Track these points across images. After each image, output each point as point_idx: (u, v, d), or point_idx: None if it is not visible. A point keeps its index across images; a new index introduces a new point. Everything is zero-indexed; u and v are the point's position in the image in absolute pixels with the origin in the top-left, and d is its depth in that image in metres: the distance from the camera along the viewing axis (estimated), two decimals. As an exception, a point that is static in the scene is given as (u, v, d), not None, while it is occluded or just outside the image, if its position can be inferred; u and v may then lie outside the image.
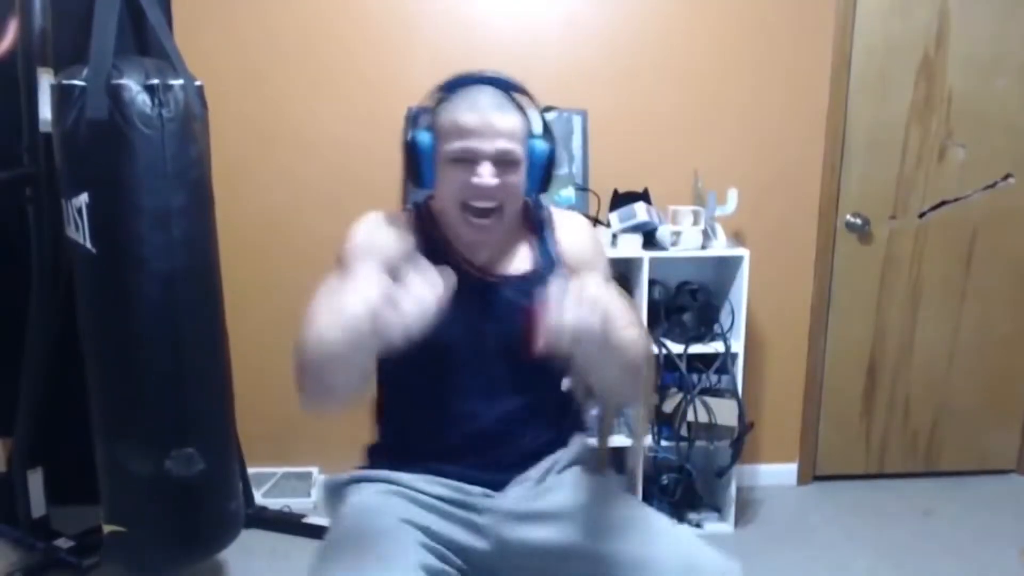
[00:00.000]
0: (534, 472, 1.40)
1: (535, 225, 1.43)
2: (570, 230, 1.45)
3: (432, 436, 1.38)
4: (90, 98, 1.75)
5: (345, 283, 1.25)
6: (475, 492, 1.36)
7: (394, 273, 1.23)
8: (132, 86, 1.78)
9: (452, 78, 1.33)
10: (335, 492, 1.42)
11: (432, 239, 1.37)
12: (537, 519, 1.33)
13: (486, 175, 1.27)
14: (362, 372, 1.19)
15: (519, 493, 1.37)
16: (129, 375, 1.92)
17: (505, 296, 1.35)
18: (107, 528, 2.01)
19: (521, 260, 1.40)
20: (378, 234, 1.35)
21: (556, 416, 1.46)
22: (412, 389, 1.38)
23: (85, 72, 1.78)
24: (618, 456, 2.62)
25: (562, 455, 1.44)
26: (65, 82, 1.79)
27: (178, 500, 1.96)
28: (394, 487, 1.36)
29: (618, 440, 2.54)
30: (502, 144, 1.28)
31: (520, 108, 1.32)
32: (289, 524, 2.53)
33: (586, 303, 1.05)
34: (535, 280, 1.33)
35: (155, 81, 1.80)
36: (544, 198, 1.47)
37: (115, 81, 1.77)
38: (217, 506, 2.04)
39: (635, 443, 1.75)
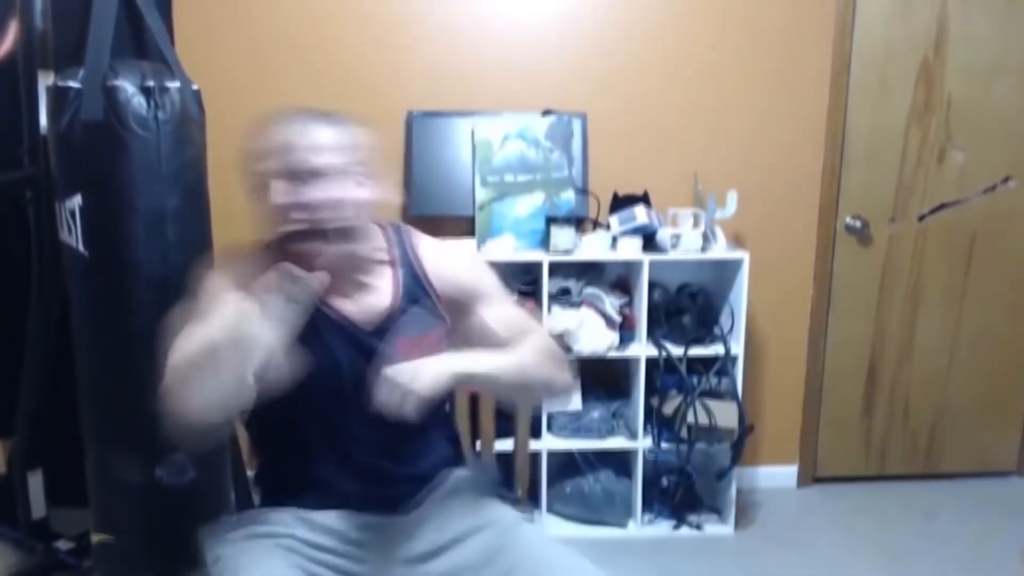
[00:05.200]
0: (420, 497, 1.36)
1: (396, 255, 1.36)
2: (438, 257, 1.38)
3: (310, 462, 1.33)
4: (85, 99, 1.74)
5: (205, 312, 1.20)
6: (364, 522, 1.33)
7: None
8: (127, 87, 1.77)
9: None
10: (221, 540, 1.37)
11: None
12: (424, 558, 1.32)
13: (299, 192, 1.19)
14: (231, 386, 1.13)
15: (399, 533, 1.34)
16: (121, 381, 1.88)
17: (359, 338, 1.30)
18: (95, 538, 1.97)
19: (380, 296, 1.33)
20: (233, 271, 1.28)
21: (435, 436, 1.42)
22: (285, 422, 1.32)
23: (81, 74, 1.77)
24: (619, 458, 2.63)
25: (439, 479, 1.40)
26: (60, 84, 1.78)
27: (168, 510, 1.91)
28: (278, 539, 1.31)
29: (617, 442, 2.56)
30: (321, 157, 1.20)
31: (340, 123, 1.27)
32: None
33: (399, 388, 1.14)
34: (393, 317, 1.31)
35: (151, 83, 1.79)
36: (410, 228, 1.42)
37: (110, 83, 1.76)
38: (208, 518, 1.98)
39: (519, 444, 1.76)
